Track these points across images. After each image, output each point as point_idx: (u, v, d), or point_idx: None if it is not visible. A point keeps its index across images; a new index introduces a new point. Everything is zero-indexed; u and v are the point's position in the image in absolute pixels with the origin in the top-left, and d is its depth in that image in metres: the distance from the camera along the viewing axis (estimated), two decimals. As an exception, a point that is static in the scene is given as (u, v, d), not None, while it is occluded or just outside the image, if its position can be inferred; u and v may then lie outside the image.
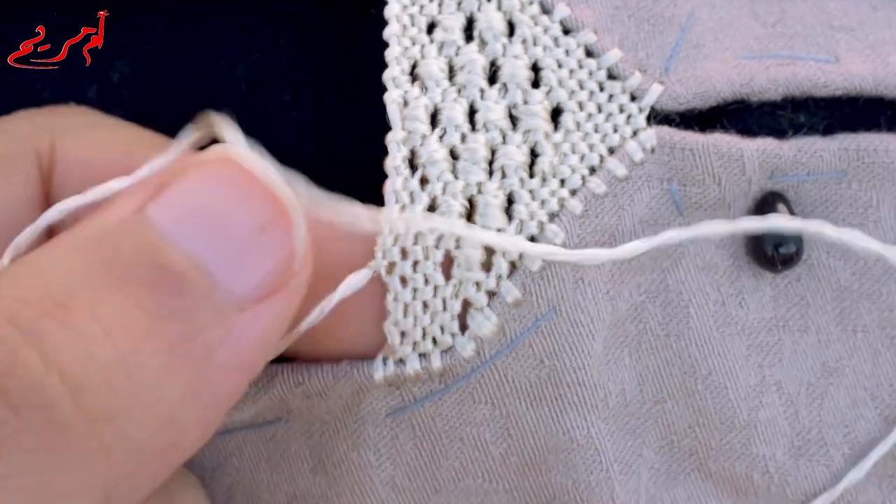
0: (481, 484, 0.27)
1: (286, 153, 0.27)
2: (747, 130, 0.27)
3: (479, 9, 0.27)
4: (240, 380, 0.22)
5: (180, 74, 0.27)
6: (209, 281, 0.21)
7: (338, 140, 0.27)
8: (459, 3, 0.27)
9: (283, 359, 0.26)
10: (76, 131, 0.25)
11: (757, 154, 0.27)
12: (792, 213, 0.27)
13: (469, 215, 0.25)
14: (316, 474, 0.27)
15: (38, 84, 0.27)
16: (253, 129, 0.27)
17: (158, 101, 0.27)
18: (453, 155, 0.25)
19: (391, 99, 0.25)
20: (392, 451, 0.27)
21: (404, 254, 0.25)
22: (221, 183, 0.22)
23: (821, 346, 0.28)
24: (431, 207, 0.25)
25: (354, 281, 0.24)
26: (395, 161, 0.25)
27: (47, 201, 0.25)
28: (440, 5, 0.27)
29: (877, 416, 0.28)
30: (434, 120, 0.26)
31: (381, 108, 0.26)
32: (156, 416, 0.20)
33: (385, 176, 0.25)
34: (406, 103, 0.25)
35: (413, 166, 0.25)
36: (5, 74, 0.27)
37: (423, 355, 0.26)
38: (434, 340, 0.26)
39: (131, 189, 0.22)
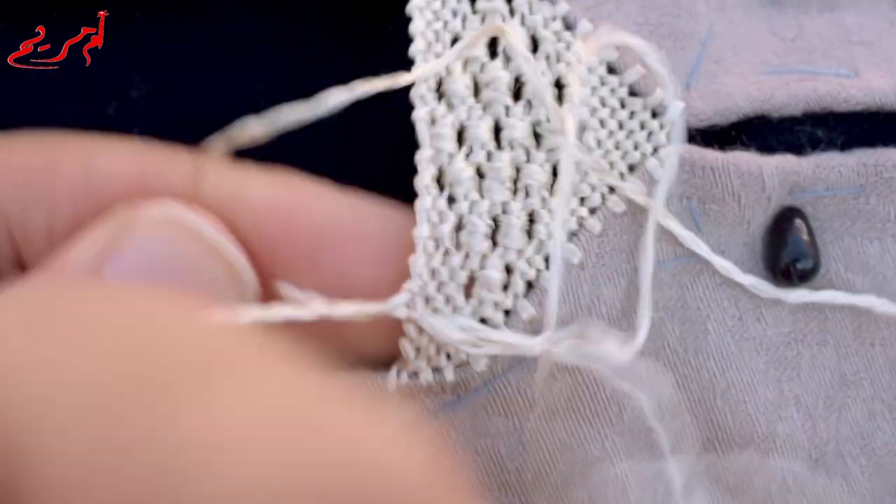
0: (498, 496, 0.27)
1: (307, 171, 0.27)
2: (766, 146, 0.27)
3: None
4: None
5: (199, 92, 0.27)
6: None
7: (358, 157, 0.28)
8: (483, 19, 0.27)
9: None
10: None
11: (776, 171, 0.27)
12: (809, 228, 0.28)
13: (493, 234, 0.26)
14: None
15: (59, 105, 0.27)
16: (273, 147, 0.27)
17: (177, 118, 0.27)
18: (479, 173, 0.26)
19: (419, 117, 0.25)
20: None
21: (433, 274, 0.25)
22: (175, 247, 0.22)
23: (839, 359, 0.28)
24: (458, 227, 0.25)
25: (397, 301, 0.25)
26: (424, 180, 0.25)
27: None
28: (464, 21, 0.27)
29: (894, 428, 0.29)
30: (460, 137, 0.26)
31: (400, 126, 0.26)
32: None
33: (406, 193, 0.25)
34: (434, 121, 0.26)
35: (440, 185, 0.25)
36: (9, 75, 0.27)
37: (436, 369, 0.26)
38: (448, 356, 0.26)
39: (77, 244, 0.22)
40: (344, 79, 0.28)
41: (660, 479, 0.28)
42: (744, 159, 0.27)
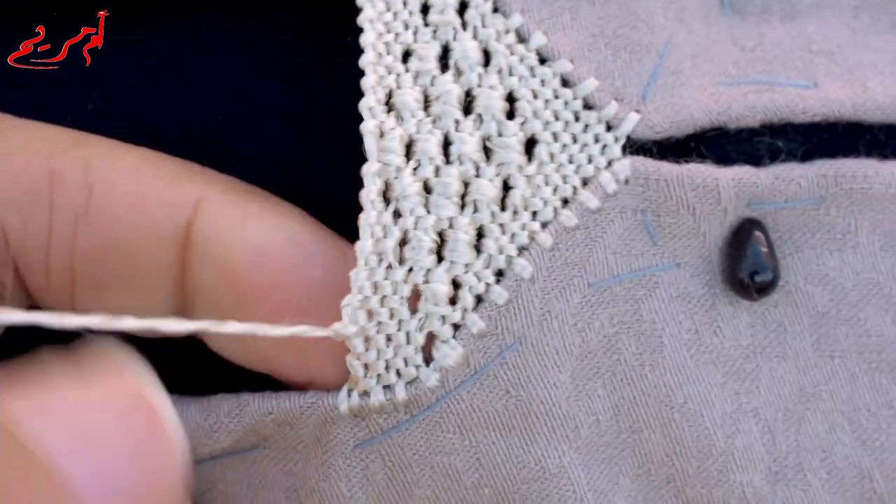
0: None
1: (267, 184, 0.27)
2: (725, 157, 0.27)
3: (454, 38, 0.26)
4: None
5: (159, 104, 0.27)
6: None
7: (319, 171, 0.27)
8: (435, 32, 0.27)
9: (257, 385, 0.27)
10: None
11: (733, 183, 0.27)
12: (769, 240, 0.27)
13: (439, 249, 0.25)
14: (290, 502, 0.27)
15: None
16: (232, 160, 0.27)
17: (136, 131, 0.27)
18: (426, 188, 0.25)
19: (367, 129, 0.25)
20: (363, 482, 0.27)
21: (375, 288, 0.25)
22: (117, 414, 0.20)
23: (798, 371, 0.28)
24: (403, 242, 0.25)
25: (344, 323, 0.24)
26: (370, 194, 0.25)
27: None
28: (415, 34, 0.27)
29: (854, 441, 0.28)
30: (408, 151, 0.26)
31: (360, 138, 0.26)
32: None
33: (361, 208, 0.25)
34: (382, 134, 0.25)
35: (387, 199, 0.25)
36: (4, 74, 0.27)
37: (387, 387, 0.26)
38: (398, 372, 0.26)
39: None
40: (304, 93, 0.28)
41: (620, 494, 0.28)
42: (699, 171, 0.27)
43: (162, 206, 0.24)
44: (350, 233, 0.25)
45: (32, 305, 0.26)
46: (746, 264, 0.27)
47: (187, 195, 0.24)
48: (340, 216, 0.26)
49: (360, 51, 0.26)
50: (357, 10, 0.26)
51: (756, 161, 0.27)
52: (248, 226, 0.25)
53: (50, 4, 0.27)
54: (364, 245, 0.25)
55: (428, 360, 0.26)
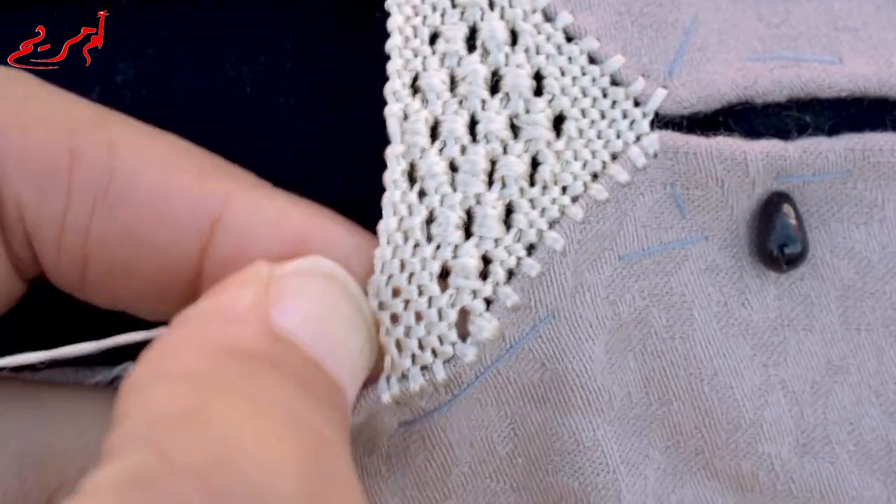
0: (489, 484, 0.28)
1: (288, 156, 0.28)
2: (753, 131, 0.28)
3: (481, 18, 0.27)
4: None
5: (184, 77, 0.28)
6: (346, 398, 0.22)
7: (341, 145, 0.28)
8: (462, 13, 0.27)
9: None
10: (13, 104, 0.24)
11: (761, 156, 0.27)
12: (797, 212, 0.28)
13: (468, 226, 0.26)
14: None
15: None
16: (256, 132, 0.28)
17: (162, 102, 0.27)
18: (453, 167, 0.26)
19: (391, 112, 0.26)
20: (402, 463, 0.27)
21: (402, 266, 0.25)
22: (334, 302, 0.23)
23: (825, 344, 0.28)
24: (430, 220, 0.25)
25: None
26: (393, 174, 0.25)
27: None
28: (443, 15, 0.27)
29: (881, 414, 0.29)
30: (434, 132, 0.26)
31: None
32: None
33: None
34: (406, 116, 0.26)
35: (412, 179, 0.25)
36: None
37: (425, 367, 0.25)
38: (434, 351, 0.25)
39: (234, 287, 0.22)
40: (329, 67, 0.28)
41: (650, 466, 0.28)
42: (727, 144, 0.27)
43: (186, 201, 0.24)
44: (375, 210, 0.25)
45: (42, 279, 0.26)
46: (776, 237, 0.27)
47: (214, 192, 0.24)
48: (365, 202, 0.26)
49: (386, 31, 0.26)
50: None
51: (784, 135, 0.28)
52: (281, 221, 0.24)
53: (50, 4, 0.27)
54: (387, 223, 0.25)
55: (463, 336, 0.25)
